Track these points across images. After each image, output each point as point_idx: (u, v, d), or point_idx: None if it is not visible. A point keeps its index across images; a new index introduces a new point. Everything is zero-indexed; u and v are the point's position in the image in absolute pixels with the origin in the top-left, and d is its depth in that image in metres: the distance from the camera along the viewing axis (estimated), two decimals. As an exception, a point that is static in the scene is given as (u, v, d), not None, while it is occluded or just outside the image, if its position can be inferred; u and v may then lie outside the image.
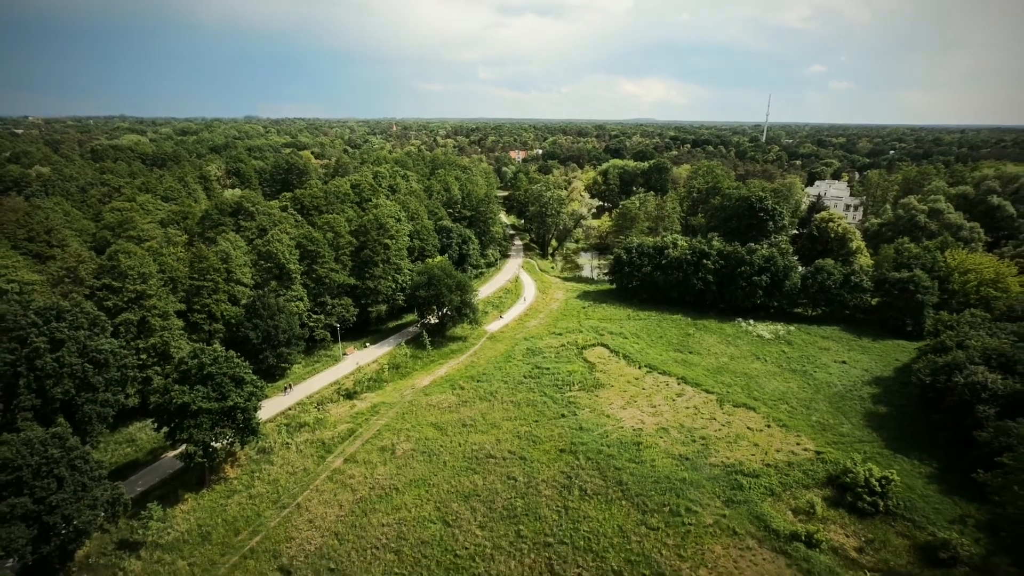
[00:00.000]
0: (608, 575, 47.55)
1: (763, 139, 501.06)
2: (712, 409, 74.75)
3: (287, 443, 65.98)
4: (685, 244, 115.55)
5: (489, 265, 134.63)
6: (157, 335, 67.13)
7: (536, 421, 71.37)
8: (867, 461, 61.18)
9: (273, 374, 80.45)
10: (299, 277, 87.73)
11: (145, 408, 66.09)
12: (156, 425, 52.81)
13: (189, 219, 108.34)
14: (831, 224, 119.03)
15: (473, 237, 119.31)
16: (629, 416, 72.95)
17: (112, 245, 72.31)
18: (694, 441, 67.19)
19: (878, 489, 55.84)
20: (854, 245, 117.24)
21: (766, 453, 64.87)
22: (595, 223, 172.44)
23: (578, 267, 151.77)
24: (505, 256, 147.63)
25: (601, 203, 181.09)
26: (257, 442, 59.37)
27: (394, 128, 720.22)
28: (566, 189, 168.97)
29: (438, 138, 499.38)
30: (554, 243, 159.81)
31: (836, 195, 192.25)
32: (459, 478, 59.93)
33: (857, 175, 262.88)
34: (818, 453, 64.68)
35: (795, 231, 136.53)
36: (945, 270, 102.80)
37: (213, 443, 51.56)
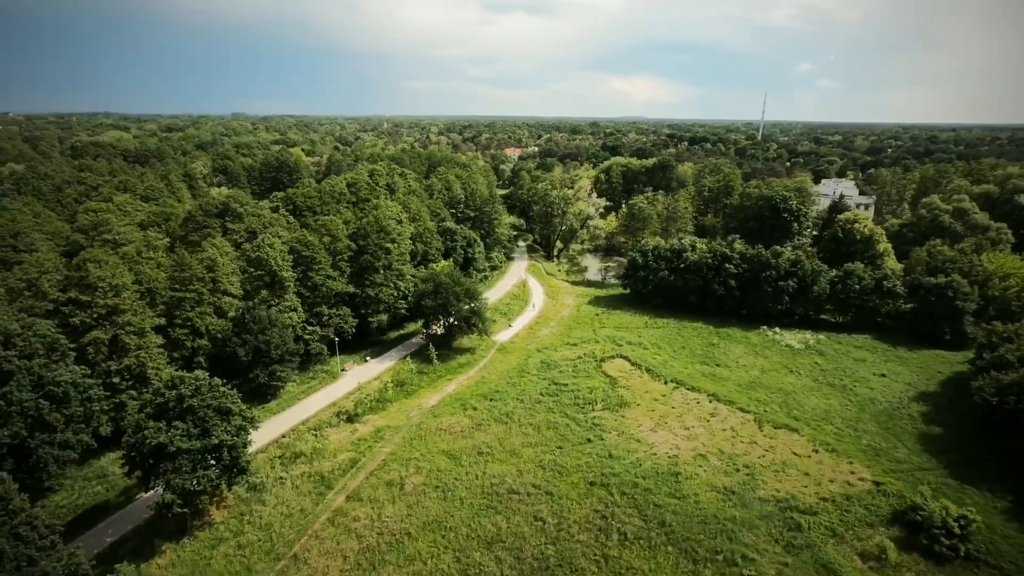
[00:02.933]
0: (664, 645, 40.43)
1: (759, 137, 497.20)
2: (751, 431, 67.93)
3: (281, 477, 58.26)
4: (704, 247, 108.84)
5: (494, 268, 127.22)
6: (132, 355, 59.17)
7: (559, 447, 64.12)
8: (936, 494, 54.65)
9: (264, 394, 72.63)
10: (293, 285, 79.85)
11: (119, 437, 58.12)
12: (126, 468, 45.00)
13: (171, 221, 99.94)
14: (856, 225, 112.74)
15: (478, 239, 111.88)
16: (661, 440, 65.93)
17: (83, 251, 64.01)
18: (737, 470, 60.27)
19: (957, 531, 49.15)
20: (881, 247, 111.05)
21: (819, 484, 58.08)
22: (601, 223, 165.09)
23: (583, 269, 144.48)
24: (509, 259, 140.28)
25: (608, 202, 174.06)
26: (246, 480, 51.55)
27: (385, 125, 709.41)
28: (571, 188, 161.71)
29: (431, 135, 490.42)
30: (559, 244, 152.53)
31: (846, 194, 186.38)
32: (479, 519, 52.57)
33: (860, 173, 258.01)
34: (877, 484, 57.94)
35: (814, 232, 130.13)
36: (983, 274, 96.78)
37: (195, 487, 43.70)
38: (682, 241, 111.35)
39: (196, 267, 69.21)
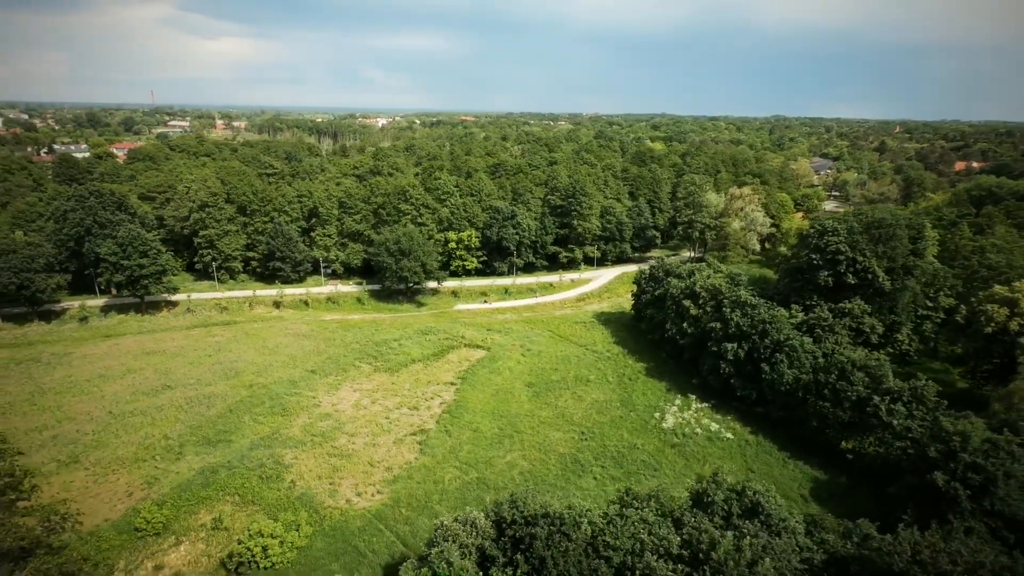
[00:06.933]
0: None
1: None
2: (410, 433, 64.21)
3: (204, 315, 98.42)
4: (705, 276, 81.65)
5: (572, 262, 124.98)
6: (209, 230, 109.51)
7: (312, 372, 78.57)
8: None
9: (279, 278, 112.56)
10: (333, 220, 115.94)
11: (206, 270, 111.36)
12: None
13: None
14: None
15: (520, 221, 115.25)
16: (346, 397, 71.73)
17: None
18: (315, 435, 63.09)
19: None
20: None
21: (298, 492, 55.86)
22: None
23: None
24: (617, 261, 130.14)
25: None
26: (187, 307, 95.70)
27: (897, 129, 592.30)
28: (723, 196, 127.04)
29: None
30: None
31: None
32: (192, 367, 78.71)
33: None
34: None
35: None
36: None
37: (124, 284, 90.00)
38: (693, 265, 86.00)
39: (272, 194, 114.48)
